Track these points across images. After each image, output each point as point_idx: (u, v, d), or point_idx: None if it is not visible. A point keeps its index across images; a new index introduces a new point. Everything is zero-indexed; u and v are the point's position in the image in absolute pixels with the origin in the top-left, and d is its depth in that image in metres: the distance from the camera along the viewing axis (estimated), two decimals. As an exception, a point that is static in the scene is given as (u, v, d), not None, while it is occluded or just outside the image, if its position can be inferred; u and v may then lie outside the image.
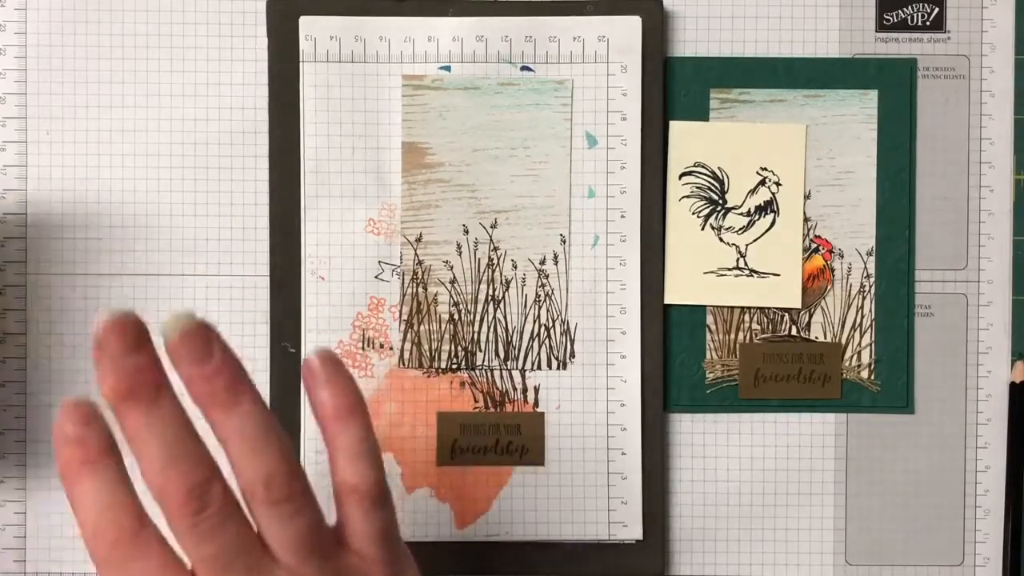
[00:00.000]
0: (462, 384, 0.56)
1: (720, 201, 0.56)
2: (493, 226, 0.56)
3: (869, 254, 0.57)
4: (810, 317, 0.57)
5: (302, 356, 0.55)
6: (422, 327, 0.56)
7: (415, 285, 0.56)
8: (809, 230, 0.57)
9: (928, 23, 0.57)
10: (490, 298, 0.56)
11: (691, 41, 0.57)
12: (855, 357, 0.57)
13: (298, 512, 0.40)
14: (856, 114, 0.56)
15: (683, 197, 0.56)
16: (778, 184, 0.56)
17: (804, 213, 0.56)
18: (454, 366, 0.56)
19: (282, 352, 0.55)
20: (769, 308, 0.57)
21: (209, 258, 0.56)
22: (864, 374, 0.57)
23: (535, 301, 0.56)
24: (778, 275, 0.56)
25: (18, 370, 0.56)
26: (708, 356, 0.57)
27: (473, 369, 0.56)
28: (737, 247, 0.56)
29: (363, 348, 0.56)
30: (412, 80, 0.56)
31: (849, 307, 0.57)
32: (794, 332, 0.57)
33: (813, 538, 0.57)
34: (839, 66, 0.56)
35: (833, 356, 0.57)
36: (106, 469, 0.39)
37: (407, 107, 0.56)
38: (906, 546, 0.57)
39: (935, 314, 0.57)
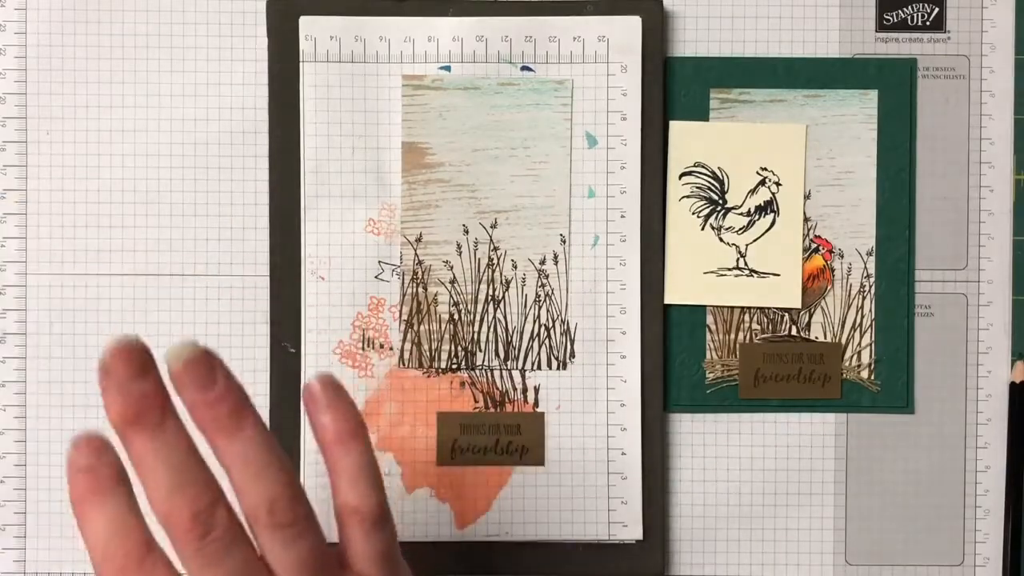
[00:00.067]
0: (462, 384, 0.56)
1: (720, 201, 0.56)
2: (493, 226, 0.56)
3: (869, 254, 0.57)
4: (810, 317, 0.57)
5: (302, 356, 0.55)
6: (422, 327, 0.56)
7: (415, 285, 0.56)
8: (809, 230, 0.57)
9: (928, 23, 0.57)
10: (490, 298, 0.56)
11: (691, 41, 0.57)
12: (855, 357, 0.57)
13: (301, 536, 0.41)
14: (856, 114, 0.56)
15: (683, 197, 0.56)
16: (778, 184, 0.56)
17: (804, 213, 0.56)
18: (454, 366, 0.56)
19: (282, 352, 0.55)
20: (769, 308, 0.57)
21: (209, 258, 0.56)
22: (864, 374, 0.57)
23: (535, 301, 0.56)
24: (778, 275, 0.56)
25: (18, 370, 0.56)
26: (708, 356, 0.56)
27: (473, 369, 0.56)
28: (737, 247, 0.56)
29: (363, 348, 0.56)
30: (412, 80, 0.56)
31: (849, 307, 0.57)
32: (794, 332, 0.57)
33: (813, 538, 0.57)
34: (839, 66, 0.56)
35: (833, 356, 0.56)
36: (116, 497, 0.39)
37: (407, 107, 0.56)
38: (906, 546, 0.57)
39: (935, 314, 0.57)
